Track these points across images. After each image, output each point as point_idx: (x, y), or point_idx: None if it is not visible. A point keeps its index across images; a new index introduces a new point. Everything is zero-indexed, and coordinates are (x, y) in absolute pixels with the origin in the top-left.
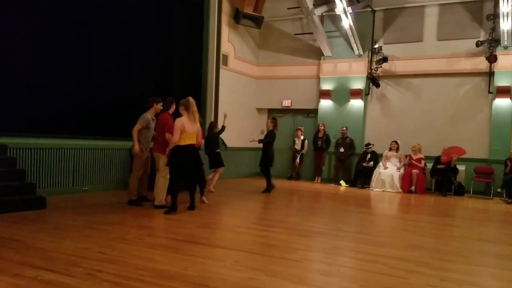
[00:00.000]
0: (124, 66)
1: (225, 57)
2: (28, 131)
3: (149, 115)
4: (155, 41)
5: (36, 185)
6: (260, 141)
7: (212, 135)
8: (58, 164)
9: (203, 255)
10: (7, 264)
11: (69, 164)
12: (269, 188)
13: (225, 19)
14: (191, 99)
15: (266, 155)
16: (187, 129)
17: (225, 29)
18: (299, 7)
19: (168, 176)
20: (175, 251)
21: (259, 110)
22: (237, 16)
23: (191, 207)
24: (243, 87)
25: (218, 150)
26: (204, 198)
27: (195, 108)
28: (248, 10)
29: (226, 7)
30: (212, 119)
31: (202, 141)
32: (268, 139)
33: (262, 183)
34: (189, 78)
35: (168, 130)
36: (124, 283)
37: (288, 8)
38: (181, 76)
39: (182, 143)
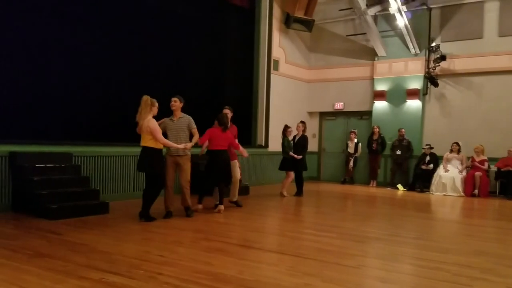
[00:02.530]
0: (177, 73)
1: (276, 62)
2: (92, 139)
3: (167, 118)
4: (207, 47)
5: (100, 191)
6: (302, 154)
7: (284, 139)
8: (119, 170)
9: (257, 259)
10: (74, 267)
11: (130, 170)
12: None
13: (275, 24)
14: (143, 97)
15: (303, 160)
16: (138, 130)
17: (276, 34)
18: (351, 8)
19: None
20: (230, 255)
21: (311, 113)
22: (288, 21)
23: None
24: (294, 91)
25: (285, 156)
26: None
27: (141, 108)
28: (299, 14)
29: (276, 12)
30: (264, 124)
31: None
32: (307, 146)
33: (314, 187)
34: (241, 84)
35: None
36: (183, 286)
37: (339, 10)
38: (233, 82)
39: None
